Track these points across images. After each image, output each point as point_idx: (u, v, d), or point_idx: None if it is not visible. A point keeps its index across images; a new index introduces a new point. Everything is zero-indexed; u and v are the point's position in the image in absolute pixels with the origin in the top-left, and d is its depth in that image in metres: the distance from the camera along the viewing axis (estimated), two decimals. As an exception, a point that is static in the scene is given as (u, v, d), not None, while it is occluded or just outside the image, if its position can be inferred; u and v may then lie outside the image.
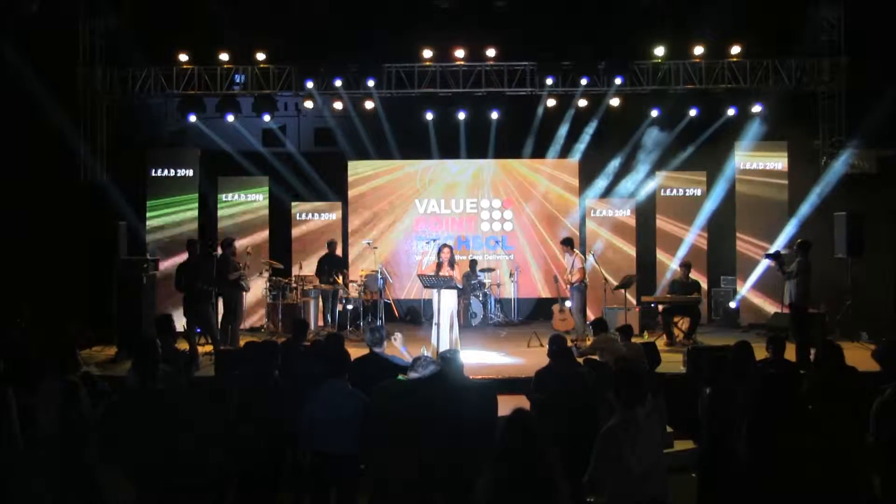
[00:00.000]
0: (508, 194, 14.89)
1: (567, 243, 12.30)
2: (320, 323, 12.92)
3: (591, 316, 12.10)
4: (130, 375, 6.11)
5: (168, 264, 12.53)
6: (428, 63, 13.72)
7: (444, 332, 9.85)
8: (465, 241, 14.77)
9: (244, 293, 11.75)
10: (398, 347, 7.03)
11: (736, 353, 6.44)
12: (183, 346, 9.72)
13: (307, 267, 13.45)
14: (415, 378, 5.42)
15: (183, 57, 13.66)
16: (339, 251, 13.68)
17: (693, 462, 6.06)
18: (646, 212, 14.31)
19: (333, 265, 13.07)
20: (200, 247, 11.11)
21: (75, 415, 5.53)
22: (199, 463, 5.30)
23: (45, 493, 5.50)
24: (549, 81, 13.61)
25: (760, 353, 6.93)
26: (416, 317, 14.27)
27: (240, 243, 12.49)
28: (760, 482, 4.74)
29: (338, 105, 14.24)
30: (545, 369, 6.57)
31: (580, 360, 7.52)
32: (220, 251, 11.28)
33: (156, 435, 5.17)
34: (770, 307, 13.19)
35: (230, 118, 14.02)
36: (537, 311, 14.57)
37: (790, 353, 8.37)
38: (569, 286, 12.14)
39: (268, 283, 12.95)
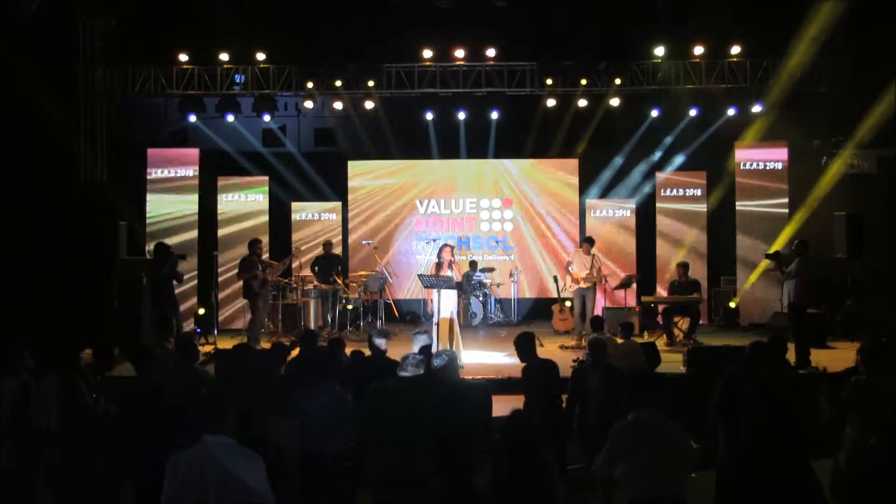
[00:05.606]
0: (508, 194, 14.89)
1: (589, 242, 12.33)
2: (320, 323, 12.92)
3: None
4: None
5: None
6: (428, 63, 13.71)
7: (444, 332, 9.87)
8: (466, 242, 14.77)
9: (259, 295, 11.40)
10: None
11: (750, 354, 6.41)
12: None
13: (307, 267, 13.45)
14: (406, 377, 5.39)
15: (183, 57, 13.65)
16: (335, 251, 13.63)
17: (701, 461, 6.07)
18: (646, 212, 14.31)
19: (329, 265, 13.05)
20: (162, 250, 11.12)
21: (77, 413, 5.53)
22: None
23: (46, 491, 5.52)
24: (549, 81, 13.61)
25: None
26: (415, 317, 14.27)
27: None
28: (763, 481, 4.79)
29: (338, 105, 14.24)
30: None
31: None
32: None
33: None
34: (770, 307, 13.18)
35: (230, 118, 14.02)
36: (537, 311, 14.56)
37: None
38: (590, 283, 12.01)
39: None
